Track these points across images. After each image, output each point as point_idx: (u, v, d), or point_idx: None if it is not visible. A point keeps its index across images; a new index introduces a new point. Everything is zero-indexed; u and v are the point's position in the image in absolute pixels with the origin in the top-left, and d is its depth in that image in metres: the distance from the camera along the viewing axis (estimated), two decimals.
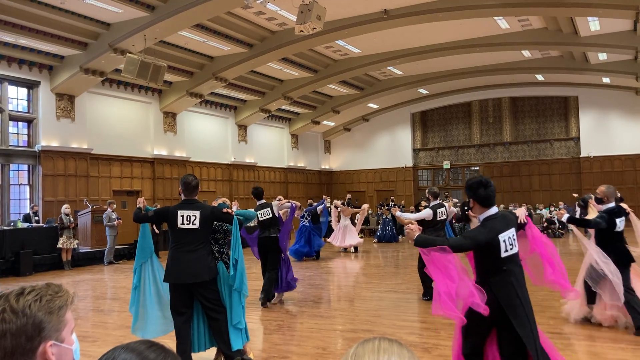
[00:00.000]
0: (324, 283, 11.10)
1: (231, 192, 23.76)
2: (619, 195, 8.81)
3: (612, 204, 6.63)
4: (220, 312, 5.28)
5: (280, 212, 9.07)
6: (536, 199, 25.73)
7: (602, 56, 20.37)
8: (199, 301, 5.31)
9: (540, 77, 24.66)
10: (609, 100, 25.27)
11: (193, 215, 5.17)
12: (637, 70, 20.63)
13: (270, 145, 26.83)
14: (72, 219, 14.57)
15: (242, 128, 24.62)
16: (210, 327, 5.36)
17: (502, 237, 3.88)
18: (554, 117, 27.06)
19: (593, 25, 16.69)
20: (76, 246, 14.82)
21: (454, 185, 28.75)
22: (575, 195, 16.57)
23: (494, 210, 3.98)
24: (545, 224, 21.67)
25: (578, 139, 26.25)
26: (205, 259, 5.25)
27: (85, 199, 16.68)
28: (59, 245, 14.16)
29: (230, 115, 24.14)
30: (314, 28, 12.16)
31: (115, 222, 15.24)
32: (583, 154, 25.93)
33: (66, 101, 17.02)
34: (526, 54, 21.07)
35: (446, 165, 28.85)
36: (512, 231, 3.97)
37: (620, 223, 6.51)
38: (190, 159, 21.55)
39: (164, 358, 1.18)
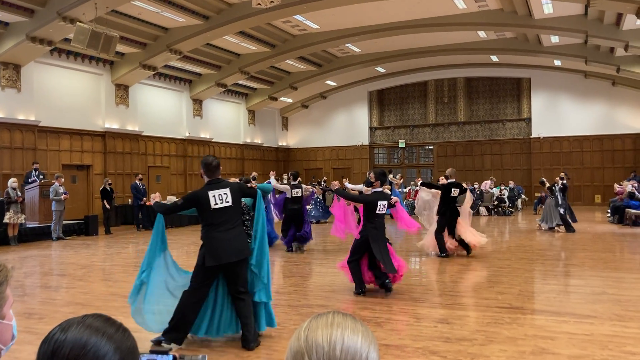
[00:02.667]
0: (279, 260, 11.11)
1: (185, 167, 23.39)
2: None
3: (453, 180, 10.83)
4: (248, 293, 5.23)
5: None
6: (487, 178, 26.33)
7: (555, 39, 20.83)
8: (229, 281, 5.20)
9: (494, 58, 25.06)
10: (560, 82, 25.95)
11: (224, 193, 5.14)
12: (587, 53, 21.22)
13: (226, 121, 26.45)
14: (19, 193, 14.07)
15: (197, 102, 24.17)
16: (237, 308, 5.21)
17: (380, 203, 7.35)
18: (507, 98, 27.63)
19: (547, 8, 17.01)
20: (23, 221, 14.35)
21: (408, 164, 29.12)
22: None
23: (379, 188, 7.51)
24: (496, 202, 22.26)
25: (529, 119, 26.90)
26: (244, 235, 5.31)
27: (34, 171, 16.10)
28: (5, 220, 13.67)
29: (185, 89, 23.64)
30: (272, 1, 11.96)
31: (62, 197, 14.80)
32: (534, 135, 26.62)
33: (11, 70, 16.28)
34: (482, 34, 21.34)
35: (401, 144, 29.13)
36: (384, 202, 7.42)
37: (454, 191, 10.61)
38: (143, 133, 21.05)
39: (122, 333, 1.13)
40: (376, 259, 7.30)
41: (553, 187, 15.52)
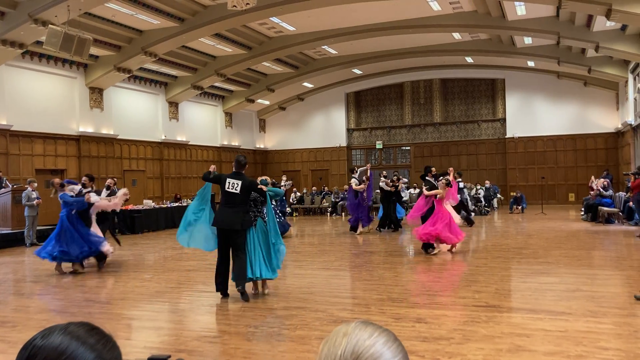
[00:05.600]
0: None
1: (162, 171, 23.17)
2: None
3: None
4: (243, 254, 7.25)
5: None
6: (464, 178, 26.55)
7: (528, 40, 21.14)
8: (230, 244, 7.34)
9: (469, 60, 25.33)
10: (533, 83, 26.34)
11: (236, 183, 7.29)
12: (559, 54, 21.58)
13: (202, 124, 26.28)
14: None
15: (173, 105, 23.96)
16: (234, 262, 7.29)
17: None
18: (481, 98, 27.94)
19: (519, 9, 17.26)
20: None
21: (385, 165, 29.26)
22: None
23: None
24: (472, 202, 22.47)
25: (504, 120, 27.24)
26: (239, 215, 7.26)
27: (4, 178, 15.79)
28: None
29: (161, 92, 23.42)
30: (248, 3, 11.94)
31: (35, 202, 14.54)
32: (508, 135, 26.96)
33: None
34: (457, 36, 21.56)
35: (379, 145, 29.27)
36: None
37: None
38: (119, 137, 20.79)
39: (104, 343, 1.09)
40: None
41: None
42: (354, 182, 15.77)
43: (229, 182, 7.26)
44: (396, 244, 13.73)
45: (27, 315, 6.96)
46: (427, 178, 11.93)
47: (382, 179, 17.12)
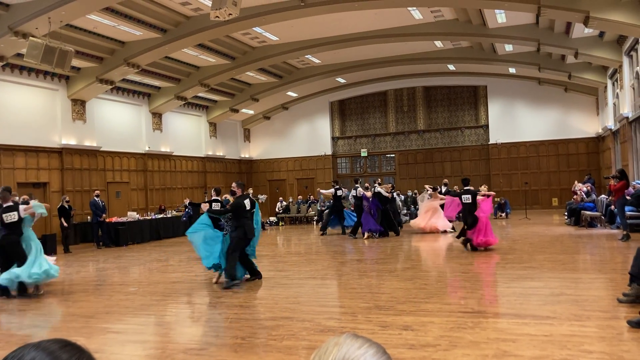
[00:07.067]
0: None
1: (146, 182, 23.01)
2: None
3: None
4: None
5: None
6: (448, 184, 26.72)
7: (509, 47, 21.40)
8: (247, 247, 9.63)
9: (451, 67, 25.56)
10: (515, 89, 26.65)
11: (249, 202, 9.45)
12: (540, 61, 21.87)
13: (187, 134, 26.18)
14: None
15: (157, 116, 23.86)
16: (247, 260, 9.63)
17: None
18: (464, 105, 28.19)
19: (500, 17, 17.49)
20: None
21: (371, 173, 29.35)
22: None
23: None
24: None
25: (487, 126, 27.49)
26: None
27: None
28: None
29: (144, 103, 23.31)
30: (230, 14, 11.92)
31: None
32: (491, 141, 27.21)
33: None
34: (438, 44, 21.76)
35: (364, 153, 29.37)
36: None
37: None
38: (102, 149, 20.63)
39: (78, 358, 1.08)
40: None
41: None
42: (383, 189, 16.91)
43: (246, 202, 9.39)
44: (383, 252, 13.75)
45: (10, 331, 6.86)
46: (466, 188, 13.03)
47: (377, 186, 17.42)
